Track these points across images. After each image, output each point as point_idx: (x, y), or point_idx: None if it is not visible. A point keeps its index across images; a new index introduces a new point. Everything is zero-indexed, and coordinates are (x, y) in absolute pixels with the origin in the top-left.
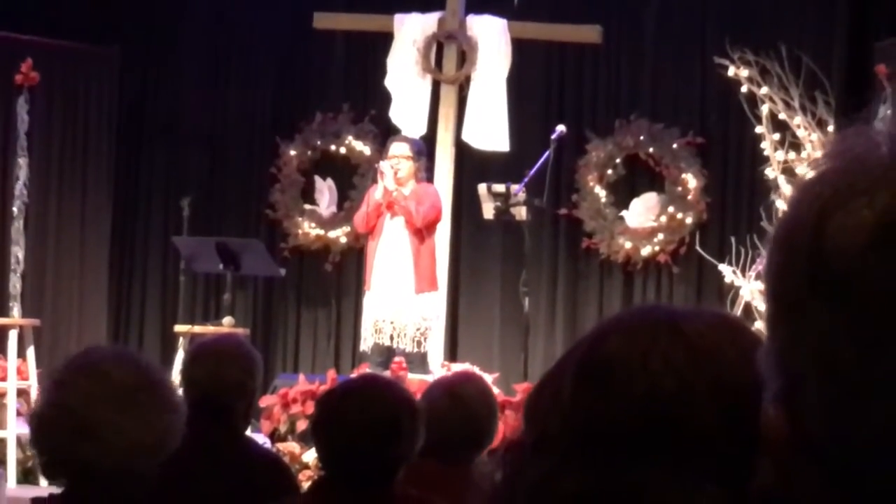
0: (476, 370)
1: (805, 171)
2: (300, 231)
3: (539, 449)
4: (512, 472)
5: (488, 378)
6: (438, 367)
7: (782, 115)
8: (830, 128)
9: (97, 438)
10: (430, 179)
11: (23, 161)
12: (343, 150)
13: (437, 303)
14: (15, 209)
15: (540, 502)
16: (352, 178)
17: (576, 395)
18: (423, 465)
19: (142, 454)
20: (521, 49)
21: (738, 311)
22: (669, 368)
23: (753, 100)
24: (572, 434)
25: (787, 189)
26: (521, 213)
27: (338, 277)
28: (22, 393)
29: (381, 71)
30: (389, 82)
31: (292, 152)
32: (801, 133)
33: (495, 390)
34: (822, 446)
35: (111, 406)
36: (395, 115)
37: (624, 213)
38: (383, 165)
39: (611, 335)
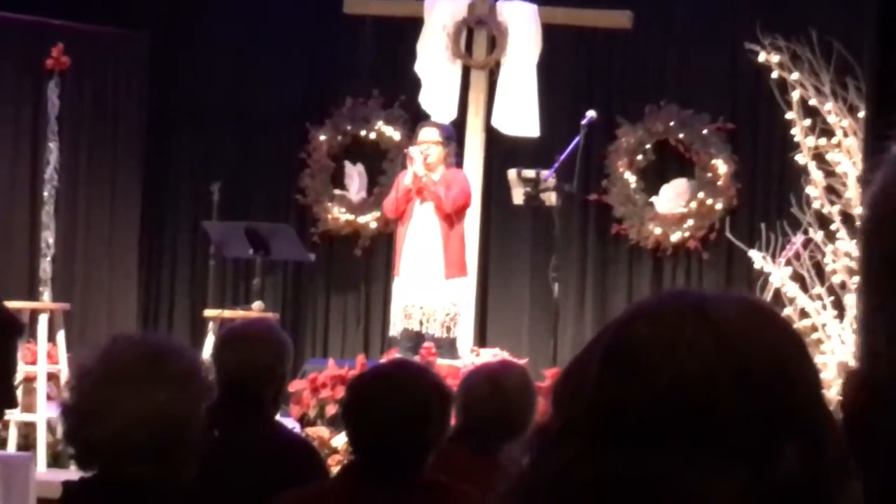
0: (505, 356)
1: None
2: (330, 216)
3: (565, 434)
4: (538, 457)
5: None
6: (468, 353)
7: (813, 101)
8: (861, 114)
9: (96, 417)
10: (459, 165)
11: (53, 145)
12: (373, 136)
13: (466, 288)
14: (45, 193)
15: (564, 487)
16: (381, 164)
17: (601, 379)
18: (454, 450)
19: (142, 428)
20: (552, 34)
21: (768, 297)
22: (694, 354)
23: (784, 85)
24: (597, 419)
25: (817, 175)
26: (550, 198)
27: (367, 263)
28: (52, 377)
29: (411, 56)
30: (419, 68)
31: (322, 137)
32: (831, 119)
33: None
34: (874, 434)
35: (106, 383)
36: (425, 100)
37: (654, 198)
38: (413, 151)
39: (638, 320)
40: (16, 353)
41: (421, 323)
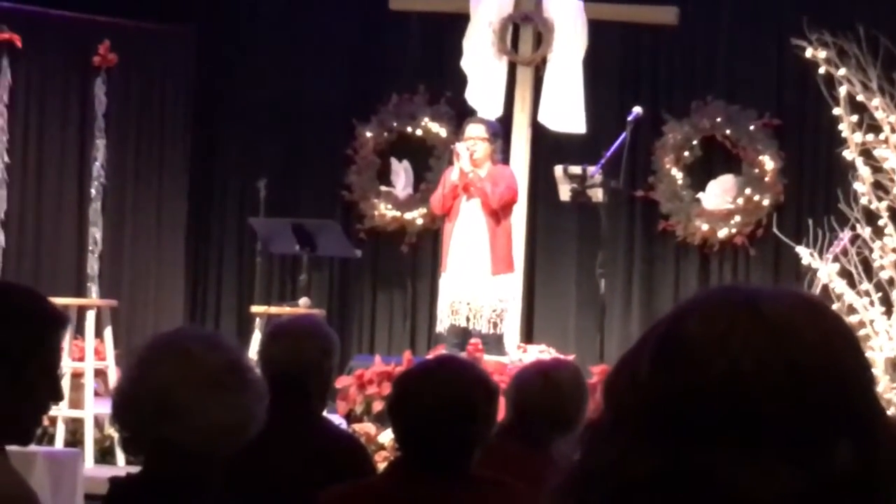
0: (552, 352)
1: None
2: (376, 212)
3: (616, 428)
4: (589, 452)
5: None
6: (514, 349)
7: (860, 97)
8: None
9: (180, 418)
10: (505, 161)
11: (100, 142)
12: (419, 132)
13: (513, 284)
14: (93, 190)
15: (615, 481)
16: (428, 160)
17: (653, 374)
18: (506, 445)
19: (223, 436)
20: (598, 30)
21: (816, 293)
22: (748, 350)
23: (831, 81)
24: (648, 414)
25: (864, 171)
26: (597, 194)
27: (414, 259)
28: (99, 373)
29: (457, 52)
30: (465, 64)
31: (368, 134)
32: (879, 115)
33: None
34: None
35: (197, 387)
36: (471, 96)
37: (700, 194)
38: (459, 147)
39: (690, 315)
40: (60, 347)
41: (468, 319)
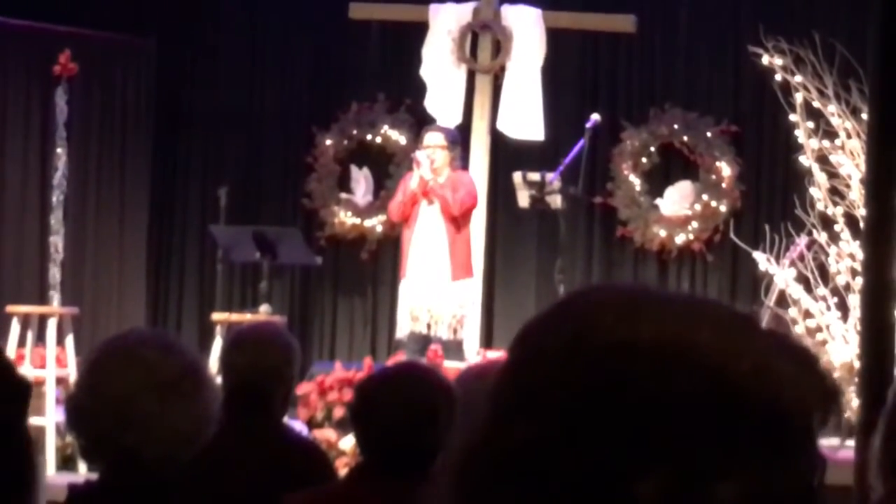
0: None
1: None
2: (336, 220)
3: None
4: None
5: None
6: (474, 355)
7: (816, 104)
8: (864, 115)
9: (140, 427)
10: (465, 168)
11: (62, 151)
12: (379, 140)
13: (472, 290)
14: (54, 199)
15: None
16: (387, 168)
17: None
18: None
19: (182, 442)
20: (556, 38)
21: (773, 298)
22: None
23: (787, 88)
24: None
25: (821, 177)
26: (556, 201)
27: (374, 266)
28: (61, 381)
29: (416, 61)
30: (425, 72)
31: (328, 142)
32: (835, 121)
33: None
34: None
35: (156, 394)
36: (431, 104)
37: (658, 201)
38: (419, 154)
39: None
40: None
41: (428, 325)
